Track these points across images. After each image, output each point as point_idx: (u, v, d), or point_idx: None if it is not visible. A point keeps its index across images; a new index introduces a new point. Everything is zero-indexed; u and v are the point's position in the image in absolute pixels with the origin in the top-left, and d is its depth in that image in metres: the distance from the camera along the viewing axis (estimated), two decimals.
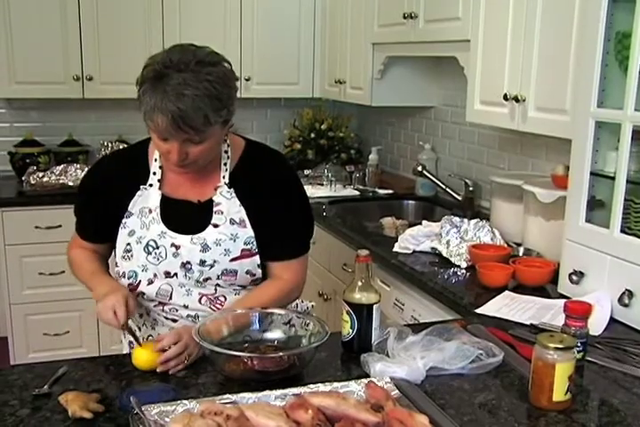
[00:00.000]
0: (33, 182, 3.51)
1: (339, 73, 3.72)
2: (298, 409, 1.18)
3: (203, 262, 1.68)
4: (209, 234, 1.68)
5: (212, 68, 1.53)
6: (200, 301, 1.72)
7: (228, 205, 1.70)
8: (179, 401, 1.23)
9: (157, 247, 1.69)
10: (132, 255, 1.71)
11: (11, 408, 1.30)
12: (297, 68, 3.97)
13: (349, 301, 1.55)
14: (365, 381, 1.32)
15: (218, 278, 1.70)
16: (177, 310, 1.73)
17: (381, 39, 3.25)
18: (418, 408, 1.26)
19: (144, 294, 1.73)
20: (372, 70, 3.36)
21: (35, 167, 3.64)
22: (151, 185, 1.71)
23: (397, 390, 1.32)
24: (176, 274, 1.70)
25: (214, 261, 1.68)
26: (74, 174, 3.58)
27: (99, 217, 1.76)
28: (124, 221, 1.72)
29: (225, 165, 1.71)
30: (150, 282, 1.71)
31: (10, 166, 3.78)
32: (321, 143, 4.07)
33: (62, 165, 3.62)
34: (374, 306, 1.54)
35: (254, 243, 1.70)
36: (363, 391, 1.30)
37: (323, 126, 4.08)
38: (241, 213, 1.70)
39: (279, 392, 1.28)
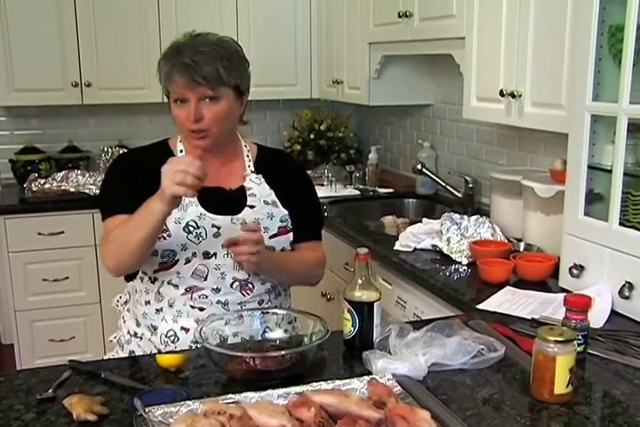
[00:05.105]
0: (35, 189, 3.53)
1: (336, 73, 3.72)
2: (300, 407, 1.18)
3: None
4: (247, 215, 1.77)
5: (225, 43, 1.73)
6: (232, 285, 1.75)
7: (259, 189, 1.82)
8: (182, 402, 1.24)
9: (198, 227, 1.72)
10: (168, 235, 1.70)
11: (16, 413, 1.31)
12: (294, 69, 3.98)
13: (350, 299, 1.55)
14: (367, 378, 1.33)
15: None
16: (207, 297, 1.74)
17: (377, 38, 3.26)
18: (420, 404, 1.26)
19: (179, 273, 1.73)
20: (368, 70, 3.36)
21: (36, 174, 3.65)
22: None
23: (400, 387, 1.32)
24: (215, 254, 1.73)
25: None
26: (75, 180, 3.61)
27: (136, 191, 1.66)
28: None
29: (247, 156, 1.86)
30: (188, 261, 1.73)
31: (11, 174, 3.80)
32: (320, 144, 4.08)
33: (63, 172, 3.65)
34: (375, 304, 1.55)
35: (289, 220, 1.83)
36: (365, 389, 1.30)
37: (322, 127, 4.09)
38: (272, 196, 1.83)
39: (282, 391, 1.28)
